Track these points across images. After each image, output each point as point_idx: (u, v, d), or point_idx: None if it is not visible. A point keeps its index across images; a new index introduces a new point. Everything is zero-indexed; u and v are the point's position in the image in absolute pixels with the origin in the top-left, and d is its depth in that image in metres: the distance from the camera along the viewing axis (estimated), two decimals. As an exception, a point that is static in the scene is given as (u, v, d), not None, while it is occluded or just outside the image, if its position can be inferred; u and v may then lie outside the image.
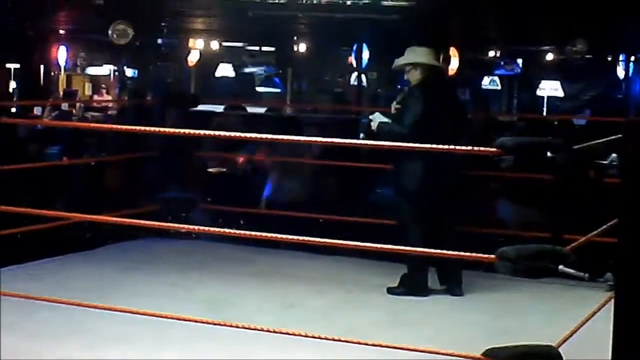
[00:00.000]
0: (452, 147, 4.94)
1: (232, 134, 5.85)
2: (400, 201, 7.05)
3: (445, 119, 6.80)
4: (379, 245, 4.92)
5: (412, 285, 6.85)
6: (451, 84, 7.44)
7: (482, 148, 4.59)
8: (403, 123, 6.82)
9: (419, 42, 7.18)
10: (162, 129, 7.15)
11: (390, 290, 6.89)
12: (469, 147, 4.83)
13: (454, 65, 15.87)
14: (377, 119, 6.93)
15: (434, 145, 4.92)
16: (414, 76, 7.05)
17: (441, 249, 5.50)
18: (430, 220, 6.87)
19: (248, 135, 6.28)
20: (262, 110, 14.50)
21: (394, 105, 7.11)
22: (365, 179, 9.31)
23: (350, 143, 5.65)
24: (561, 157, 4.59)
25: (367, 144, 6.48)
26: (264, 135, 6.21)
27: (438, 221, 6.90)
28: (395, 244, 5.33)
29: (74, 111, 16.35)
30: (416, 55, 7.06)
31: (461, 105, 7.65)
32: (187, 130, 6.30)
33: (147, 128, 6.81)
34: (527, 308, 6.60)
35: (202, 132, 5.94)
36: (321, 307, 6.44)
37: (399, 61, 7.16)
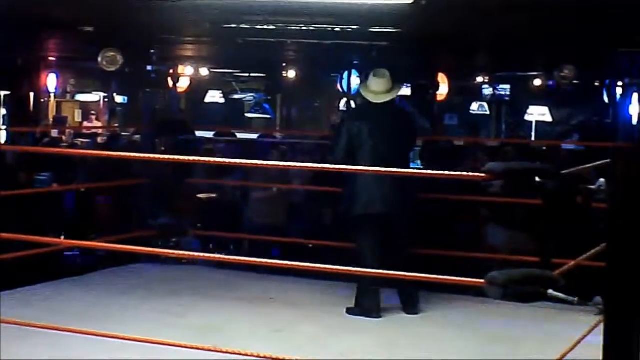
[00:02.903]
0: (442, 172, 4.96)
1: (221, 160, 5.88)
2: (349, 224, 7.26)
3: (379, 141, 6.98)
4: (359, 270, 4.93)
5: (365, 305, 6.98)
6: (396, 109, 7.54)
7: (470, 173, 4.62)
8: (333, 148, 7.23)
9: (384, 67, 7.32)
10: (151, 156, 7.17)
11: (348, 310, 7.03)
12: (458, 172, 4.86)
13: (443, 91, 15.99)
14: None
15: (428, 171, 4.97)
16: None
17: (391, 270, 5.67)
18: (375, 242, 7.04)
19: (236, 161, 6.31)
20: (252, 136, 14.57)
21: None
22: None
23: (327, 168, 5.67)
24: (550, 183, 4.60)
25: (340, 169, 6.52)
26: (251, 162, 6.22)
27: (387, 243, 7.05)
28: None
29: (63, 138, 16.37)
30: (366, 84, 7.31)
31: (406, 129, 7.55)
32: (176, 157, 6.33)
33: (137, 155, 6.84)
34: (517, 333, 6.61)
35: (191, 158, 5.95)
36: (312, 333, 6.45)
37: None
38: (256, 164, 7.31)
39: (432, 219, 7.94)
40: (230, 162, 6.73)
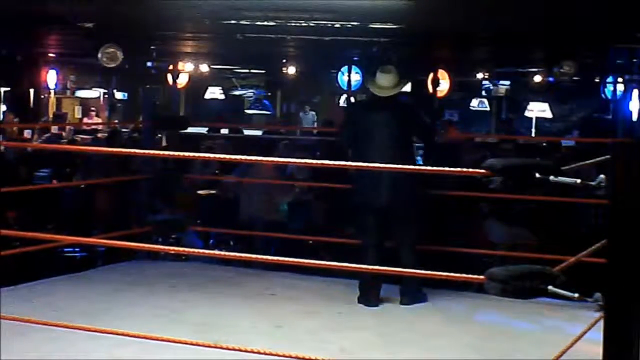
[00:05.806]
0: (442, 168, 4.94)
1: (220, 156, 5.87)
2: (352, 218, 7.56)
3: (381, 134, 7.11)
4: (359, 266, 4.92)
5: (364, 294, 7.16)
6: (398, 102, 7.51)
7: (470, 169, 4.62)
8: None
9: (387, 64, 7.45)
10: (151, 152, 7.15)
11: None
12: (458, 169, 4.85)
13: (443, 87, 16.00)
14: None
15: (428, 167, 4.96)
16: None
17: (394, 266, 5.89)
18: (374, 237, 7.21)
19: (235, 157, 6.31)
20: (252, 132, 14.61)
21: None
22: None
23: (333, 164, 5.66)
24: (549, 179, 4.59)
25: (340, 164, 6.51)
26: (250, 157, 6.22)
27: (389, 239, 7.25)
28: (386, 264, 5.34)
29: (63, 134, 16.38)
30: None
31: (408, 122, 7.49)
32: (176, 153, 6.33)
33: (137, 151, 6.82)
34: (516, 328, 6.61)
35: (191, 154, 5.96)
36: (312, 328, 6.44)
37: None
38: (258, 160, 7.31)
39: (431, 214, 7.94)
40: (232, 159, 6.72)
